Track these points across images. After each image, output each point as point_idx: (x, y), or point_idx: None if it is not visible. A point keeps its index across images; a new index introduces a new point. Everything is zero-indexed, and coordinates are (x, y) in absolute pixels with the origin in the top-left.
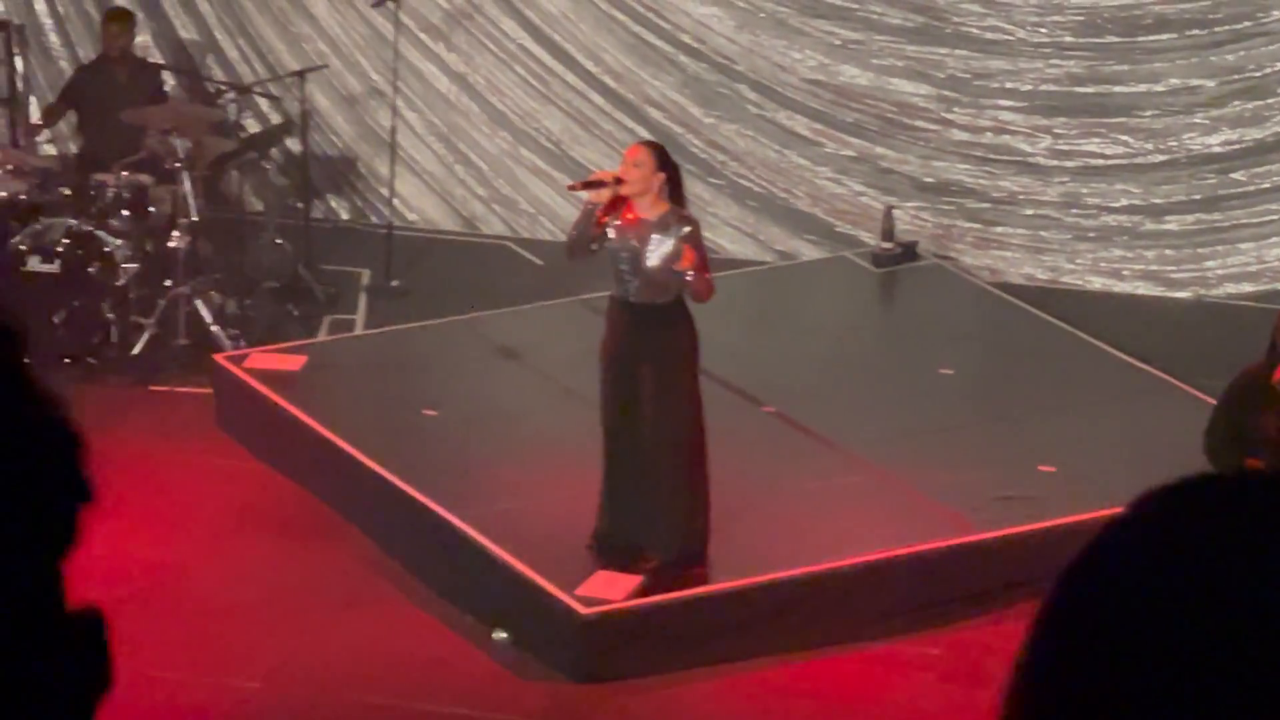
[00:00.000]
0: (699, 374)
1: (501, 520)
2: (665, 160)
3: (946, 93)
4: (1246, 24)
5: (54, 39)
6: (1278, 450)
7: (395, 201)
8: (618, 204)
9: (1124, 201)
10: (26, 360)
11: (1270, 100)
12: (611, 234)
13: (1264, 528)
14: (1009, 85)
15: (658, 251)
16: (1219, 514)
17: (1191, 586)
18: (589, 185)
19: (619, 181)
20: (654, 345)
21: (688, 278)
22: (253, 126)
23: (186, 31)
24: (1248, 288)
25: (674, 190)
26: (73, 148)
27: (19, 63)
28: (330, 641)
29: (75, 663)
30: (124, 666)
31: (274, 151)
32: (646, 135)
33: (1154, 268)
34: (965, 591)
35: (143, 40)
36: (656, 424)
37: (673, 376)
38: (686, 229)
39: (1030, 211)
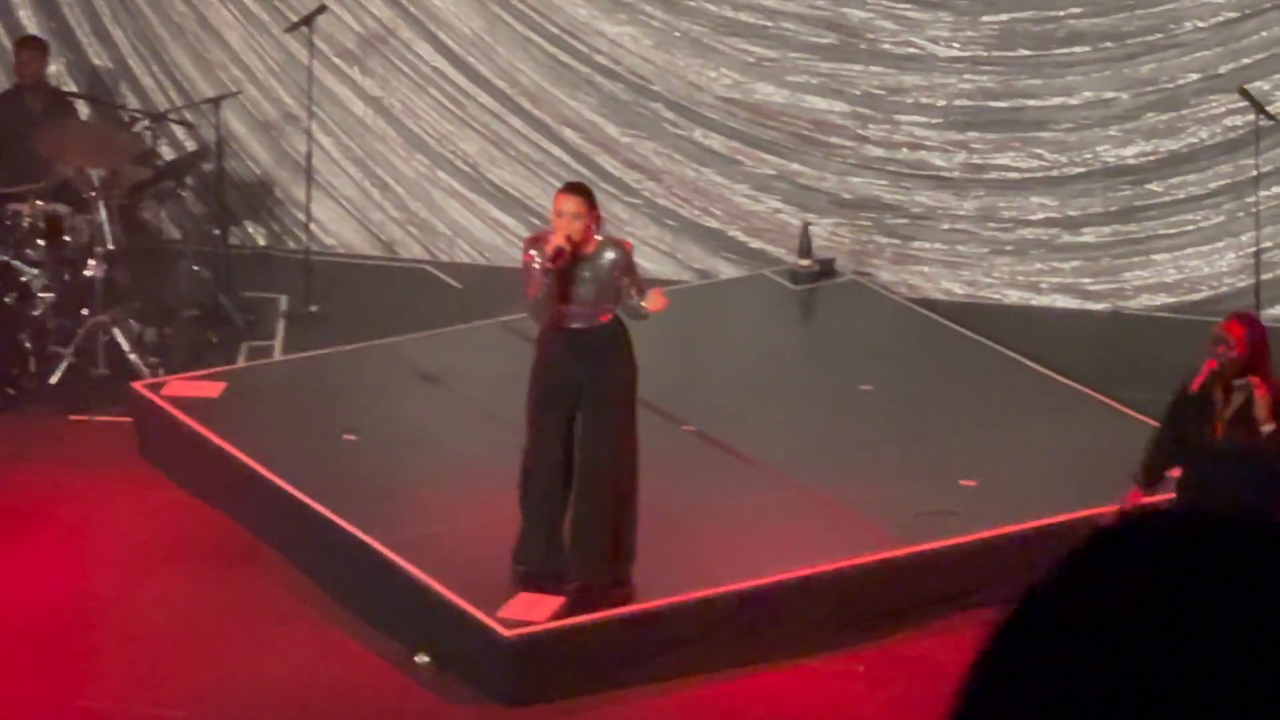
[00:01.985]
0: (637, 398)
1: (423, 544)
2: (592, 199)
3: (861, 109)
4: (1158, 36)
5: None
6: (1206, 455)
7: (312, 226)
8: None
9: (1040, 215)
10: None
11: (1184, 111)
12: (550, 267)
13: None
14: (923, 101)
15: (596, 277)
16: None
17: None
18: (558, 259)
19: (569, 240)
20: (596, 368)
21: (643, 305)
22: (168, 154)
23: (100, 59)
24: (1165, 299)
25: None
26: None
27: None
28: (255, 668)
29: None
30: (50, 697)
31: (190, 179)
32: (563, 156)
33: (1071, 280)
34: (890, 606)
35: (57, 69)
36: (598, 447)
37: (614, 399)
38: (619, 255)
39: (947, 226)
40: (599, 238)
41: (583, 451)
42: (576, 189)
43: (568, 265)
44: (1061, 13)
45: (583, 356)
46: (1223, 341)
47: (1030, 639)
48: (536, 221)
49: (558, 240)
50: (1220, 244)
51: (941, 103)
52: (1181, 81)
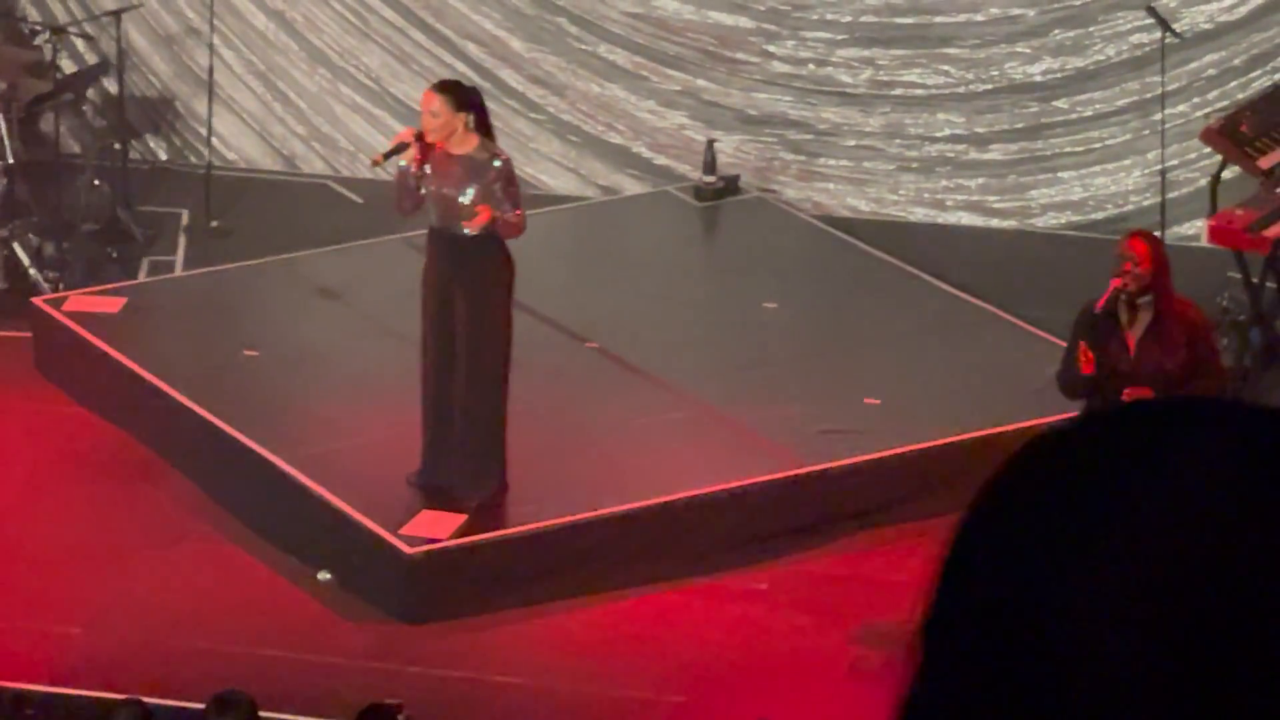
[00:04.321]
0: (512, 305)
1: (324, 460)
2: (462, 99)
3: (767, 25)
4: None
5: None
6: (1121, 376)
7: (214, 141)
8: (429, 148)
9: (947, 131)
10: None
11: (1091, 29)
12: (428, 169)
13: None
14: (829, 17)
15: (470, 187)
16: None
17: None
18: (393, 153)
19: (420, 136)
20: (468, 276)
21: (496, 222)
22: (69, 67)
23: None
24: (1070, 216)
25: (480, 122)
26: None
27: None
28: (153, 586)
29: None
30: None
31: (90, 92)
32: (466, 71)
33: (977, 198)
34: (792, 525)
35: None
36: (471, 357)
37: (486, 308)
38: (496, 164)
39: (853, 142)
40: (477, 142)
41: (465, 363)
42: (441, 87)
43: (419, 160)
44: None
45: (455, 263)
46: (1129, 259)
47: (999, 524)
48: None
49: (404, 136)
50: (1126, 162)
51: (847, 18)
52: None
